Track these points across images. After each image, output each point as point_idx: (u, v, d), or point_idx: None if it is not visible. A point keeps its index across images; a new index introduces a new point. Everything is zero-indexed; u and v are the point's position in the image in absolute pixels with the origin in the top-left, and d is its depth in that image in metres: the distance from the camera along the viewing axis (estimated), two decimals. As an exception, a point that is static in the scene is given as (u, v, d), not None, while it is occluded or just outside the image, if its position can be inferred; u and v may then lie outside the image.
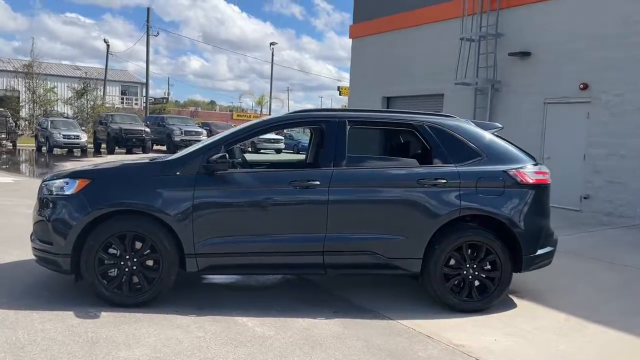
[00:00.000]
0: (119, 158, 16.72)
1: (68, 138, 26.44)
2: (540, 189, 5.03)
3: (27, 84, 40.32)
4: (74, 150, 27.22)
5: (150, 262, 4.62)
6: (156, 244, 4.54)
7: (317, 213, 4.68)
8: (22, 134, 36.77)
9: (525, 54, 12.33)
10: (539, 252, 4.98)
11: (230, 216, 4.65)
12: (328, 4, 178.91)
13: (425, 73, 14.85)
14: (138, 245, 4.59)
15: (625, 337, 4.43)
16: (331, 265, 4.77)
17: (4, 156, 24.21)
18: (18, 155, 25.57)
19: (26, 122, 40.67)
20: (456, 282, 4.85)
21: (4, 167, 19.38)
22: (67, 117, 35.72)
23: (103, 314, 4.37)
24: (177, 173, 4.64)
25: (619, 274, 6.49)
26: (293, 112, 5.27)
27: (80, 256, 4.51)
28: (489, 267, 4.91)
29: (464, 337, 4.28)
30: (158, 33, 47.09)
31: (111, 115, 30.12)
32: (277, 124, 5.13)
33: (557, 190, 11.30)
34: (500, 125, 5.46)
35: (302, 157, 6.81)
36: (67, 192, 4.60)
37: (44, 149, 27.05)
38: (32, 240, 4.83)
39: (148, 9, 37.56)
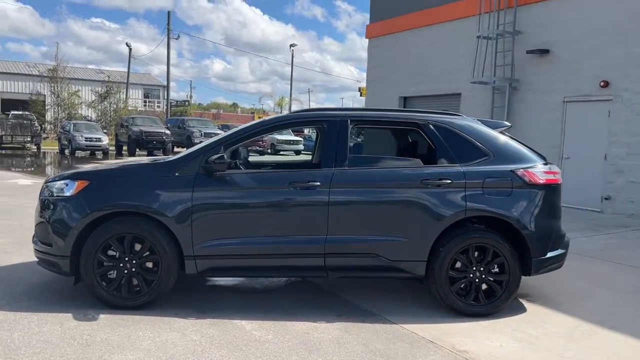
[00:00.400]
0: (136, 159, 16.84)
1: (90, 140, 26.81)
2: (551, 189, 4.85)
3: (52, 88, 41.08)
4: (96, 152, 27.59)
5: (149, 264, 4.58)
6: (155, 245, 4.50)
7: (317, 214, 4.58)
8: (47, 137, 37.51)
9: (543, 52, 12.06)
10: (549, 254, 4.81)
11: (229, 217, 4.58)
12: (349, 5, 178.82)
13: (441, 72, 14.65)
14: (137, 247, 4.56)
15: (637, 343, 4.24)
16: (332, 268, 4.67)
17: (28, 159, 24.66)
18: (41, 158, 25.99)
19: (51, 125, 41.41)
20: (462, 285, 4.71)
21: (26, 169, 19.71)
22: (89, 120, 36.24)
23: (101, 316, 4.34)
24: (176, 174, 4.60)
25: (638, 278, 6.25)
26: (294, 112, 5.17)
27: (79, 258, 4.49)
28: (496, 270, 4.75)
29: (469, 343, 4.13)
30: (179, 36, 47.77)
31: (132, 117, 30.44)
32: (277, 124, 5.03)
33: (577, 191, 11.09)
34: (509, 124, 5.29)
35: (309, 158, 6.72)
36: (66, 194, 4.59)
37: (66, 151, 27.48)
38: (33, 242, 4.83)
39: (168, 12, 38.18)
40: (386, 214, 4.64)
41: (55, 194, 4.66)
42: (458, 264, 4.72)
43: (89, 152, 27.48)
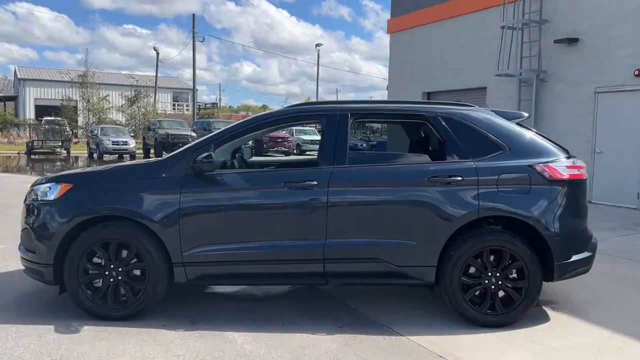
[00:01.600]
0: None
1: (117, 144, 27.07)
2: (574, 186, 4.37)
3: (82, 93, 41.80)
4: (123, 156, 27.84)
5: (136, 272, 4.29)
6: (142, 252, 4.21)
7: (315, 216, 4.22)
8: (78, 141, 38.19)
9: (572, 41, 11.42)
10: (574, 258, 4.33)
11: (220, 221, 4.26)
12: (376, 4, 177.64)
13: (465, 66, 14.09)
14: (124, 254, 4.28)
15: (677, 359, 3.74)
16: (333, 274, 4.30)
17: (58, 163, 25.03)
18: (68, 163, 26.34)
19: (82, 130, 42.14)
20: (477, 292, 4.28)
21: (52, 173, 19.87)
22: (116, 124, 36.69)
23: (85, 328, 4.07)
24: (163, 175, 4.30)
25: (678, 281, 5.69)
26: (289, 106, 4.82)
27: (63, 266, 4.23)
28: (514, 275, 4.31)
29: (482, 356, 3.71)
30: (204, 39, 48.22)
31: (159, 121, 30.71)
32: (269, 121, 4.63)
33: (610, 187, 10.44)
34: (526, 114, 4.81)
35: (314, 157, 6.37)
36: (49, 198, 4.34)
37: (95, 155, 27.78)
38: (19, 249, 4.60)
39: (193, 15, 38.28)
40: (391, 215, 4.25)
41: (39, 198, 4.42)
42: (472, 269, 4.29)
43: (116, 155, 27.76)
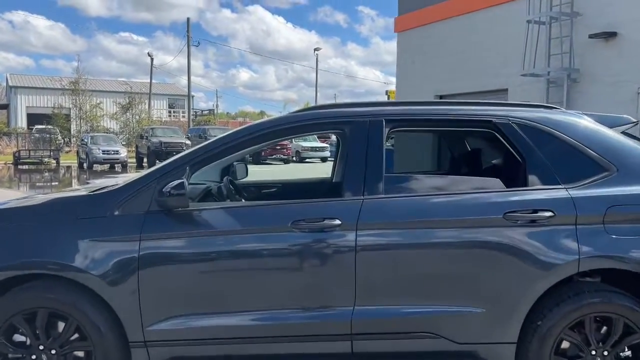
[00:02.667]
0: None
1: (107, 153, 25.84)
2: None
3: (74, 101, 40.55)
4: (115, 165, 26.61)
5: (78, 354, 2.95)
6: (84, 326, 2.86)
7: (339, 273, 2.89)
8: (70, 150, 36.94)
9: (610, 35, 10.11)
10: None
11: (199, 280, 2.92)
12: (372, 10, 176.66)
13: (483, 66, 12.77)
14: (60, 328, 2.93)
15: None
16: (365, 356, 2.95)
17: (47, 174, 23.78)
18: (57, 173, 25.03)
19: (75, 139, 40.84)
20: (574, 379, 2.93)
21: (38, 185, 18.64)
22: (107, 132, 35.51)
23: None
24: (116, 213, 2.95)
25: None
26: (298, 112, 3.44)
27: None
28: (627, 353, 2.96)
29: None
30: (199, 43, 46.90)
31: (152, 128, 29.60)
32: (272, 131, 3.25)
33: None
34: (634, 120, 3.46)
35: (324, 174, 4.98)
36: (-48, 246, 2.98)
37: (85, 165, 26.49)
38: None
39: (188, 19, 36.86)
40: (449, 270, 2.91)
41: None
42: (566, 345, 2.95)
43: (107, 165, 26.50)
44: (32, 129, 37.35)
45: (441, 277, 2.91)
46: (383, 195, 2.97)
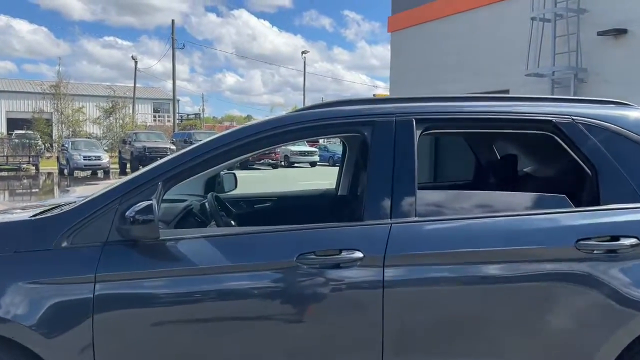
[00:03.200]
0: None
1: (88, 159, 24.97)
2: None
3: (55, 105, 39.50)
4: (97, 172, 25.73)
5: None
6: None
7: (360, 323, 2.20)
8: (51, 156, 35.89)
9: (620, 32, 9.55)
10: None
11: (174, 336, 2.19)
12: (357, 14, 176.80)
13: (483, 66, 12.17)
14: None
15: None
16: None
17: (25, 181, 22.83)
18: (37, 180, 24.07)
19: (56, 144, 39.75)
20: None
21: (15, 193, 17.77)
22: (89, 137, 34.58)
23: None
24: (63, 244, 2.21)
25: None
26: (303, 110, 2.71)
27: None
28: None
29: None
30: (184, 46, 46.10)
31: (135, 133, 28.80)
32: (267, 135, 2.48)
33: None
34: None
35: (329, 187, 4.24)
36: None
37: (65, 171, 25.54)
38: None
39: (172, 20, 36.07)
40: (506, 316, 2.22)
41: None
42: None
43: (89, 171, 25.59)
44: (11, 134, 36.21)
45: (493, 326, 2.21)
46: (417, 219, 2.27)
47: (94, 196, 2.37)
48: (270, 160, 27.53)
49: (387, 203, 2.28)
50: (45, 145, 37.96)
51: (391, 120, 2.41)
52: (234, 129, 2.59)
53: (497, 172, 3.47)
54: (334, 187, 3.96)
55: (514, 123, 2.49)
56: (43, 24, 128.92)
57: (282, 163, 29.13)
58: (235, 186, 3.84)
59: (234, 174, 3.87)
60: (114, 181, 2.55)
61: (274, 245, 2.25)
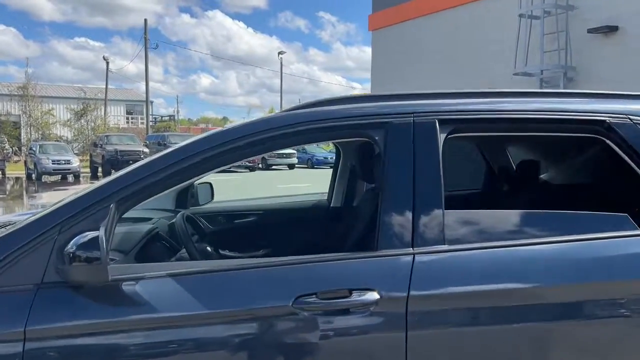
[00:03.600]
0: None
1: (57, 163, 24.00)
2: None
3: (23, 107, 38.23)
4: (67, 176, 24.81)
5: None
6: None
7: None
8: (19, 160, 34.69)
9: (610, 29, 9.29)
10: None
11: None
12: (332, 16, 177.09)
13: (468, 65, 11.83)
14: None
15: None
16: None
17: (-14, 188, 21.78)
18: (3, 185, 23.04)
19: (24, 147, 38.47)
20: None
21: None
22: (58, 140, 33.55)
23: None
24: (-20, 289, 1.65)
25: None
26: (295, 109, 2.14)
27: None
28: None
29: None
30: (157, 45, 45.14)
31: (107, 136, 27.95)
32: (251, 141, 1.89)
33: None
34: None
35: (317, 195, 3.68)
36: None
37: (33, 176, 24.55)
38: None
39: (145, 20, 35.12)
40: None
41: None
42: None
43: (58, 176, 24.64)
44: (-24, 138, 34.99)
45: None
46: (448, 247, 1.77)
47: (27, 222, 1.81)
48: (247, 163, 26.92)
49: (407, 227, 1.78)
50: (13, 149, 36.74)
51: (408, 121, 1.91)
52: (209, 133, 2.06)
53: (515, 182, 3.00)
54: (325, 197, 3.47)
55: (560, 124, 2.00)
56: (12, 24, 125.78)
57: (260, 165, 28.54)
58: (212, 197, 3.31)
59: (210, 184, 3.34)
60: (61, 199, 1.98)
61: (264, 286, 1.72)
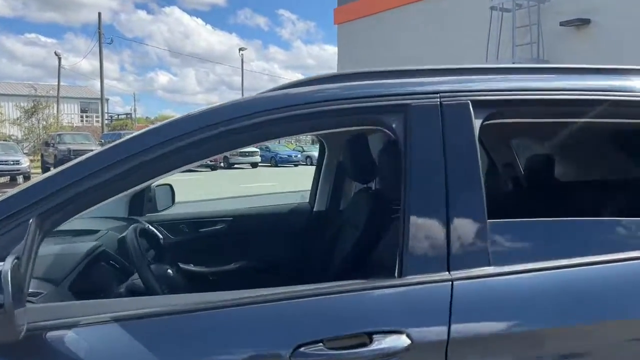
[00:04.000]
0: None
1: (5, 164, 22.74)
2: None
3: (-34, 105, 36.38)
4: (16, 177, 23.56)
5: None
6: None
7: None
8: (-36, 162, 32.80)
9: (583, 22, 9.13)
10: None
11: None
12: (292, 14, 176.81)
13: (438, 60, 11.54)
14: None
15: None
16: None
17: None
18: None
19: (-31, 148, 36.52)
20: None
21: None
22: (7, 140, 32.00)
23: None
24: None
25: None
26: (282, 88, 1.64)
27: None
28: None
29: None
30: (112, 40, 43.74)
31: (59, 135, 26.85)
32: (229, 129, 1.36)
33: None
34: None
35: (297, 198, 3.18)
36: None
37: (-22, 178, 23.18)
38: None
39: (99, 13, 33.82)
40: None
41: None
42: None
43: (7, 177, 23.37)
44: None
45: None
46: (494, 269, 1.32)
47: None
48: (208, 162, 26.17)
49: (440, 244, 1.32)
50: (-43, 150, 34.78)
51: (434, 103, 1.45)
52: (165, 122, 1.54)
53: (580, 182, 2.57)
54: (306, 200, 3.00)
55: (626, 108, 1.58)
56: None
57: (222, 164, 27.81)
58: (173, 202, 2.80)
59: (170, 185, 2.83)
60: None
61: (249, 331, 1.24)
